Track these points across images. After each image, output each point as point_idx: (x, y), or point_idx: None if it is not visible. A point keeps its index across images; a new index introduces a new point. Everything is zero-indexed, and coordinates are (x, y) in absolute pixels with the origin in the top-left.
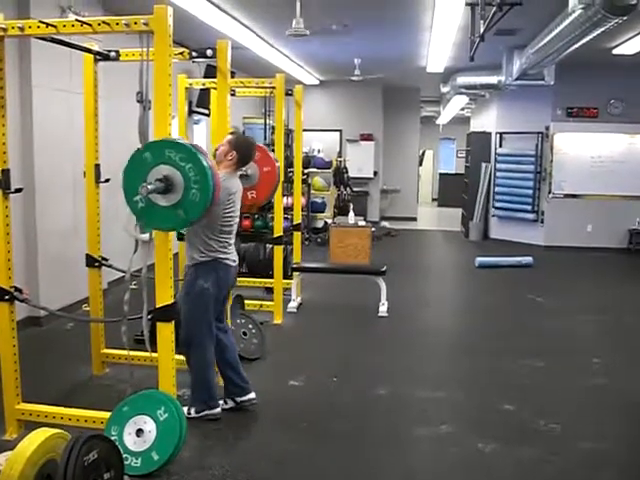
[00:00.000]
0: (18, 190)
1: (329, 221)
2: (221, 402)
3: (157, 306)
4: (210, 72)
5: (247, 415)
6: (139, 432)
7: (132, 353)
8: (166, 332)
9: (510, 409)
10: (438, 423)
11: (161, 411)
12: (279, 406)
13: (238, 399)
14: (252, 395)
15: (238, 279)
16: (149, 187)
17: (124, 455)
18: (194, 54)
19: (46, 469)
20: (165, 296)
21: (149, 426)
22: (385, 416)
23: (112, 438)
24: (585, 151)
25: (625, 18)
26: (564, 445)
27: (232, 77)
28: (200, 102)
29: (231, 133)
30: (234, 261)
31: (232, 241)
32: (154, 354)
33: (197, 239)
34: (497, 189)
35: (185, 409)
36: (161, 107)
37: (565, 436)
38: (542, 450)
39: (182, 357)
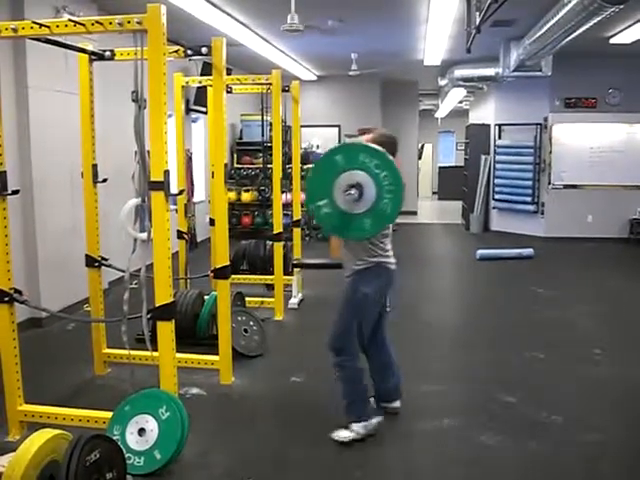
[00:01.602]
0: (15, 192)
1: None
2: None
3: (157, 305)
4: (207, 70)
5: (249, 412)
6: (141, 431)
7: (133, 352)
8: (166, 331)
9: (512, 401)
10: (440, 417)
11: (163, 410)
12: (281, 403)
13: (382, 404)
14: (397, 404)
15: (238, 276)
16: (352, 192)
17: (126, 454)
18: (189, 52)
19: (48, 470)
20: (164, 295)
21: (151, 425)
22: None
23: (114, 438)
24: (584, 141)
25: (622, 7)
26: (567, 437)
27: (228, 74)
28: (197, 100)
29: (366, 130)
30: (395, 264)
31: (390, 245)
32: (155, 353)
33: (359, 246)
34: (497, 181)
35: (343, 433)
36: (156, 106)
37: (568, 428)
38: (545, 442)
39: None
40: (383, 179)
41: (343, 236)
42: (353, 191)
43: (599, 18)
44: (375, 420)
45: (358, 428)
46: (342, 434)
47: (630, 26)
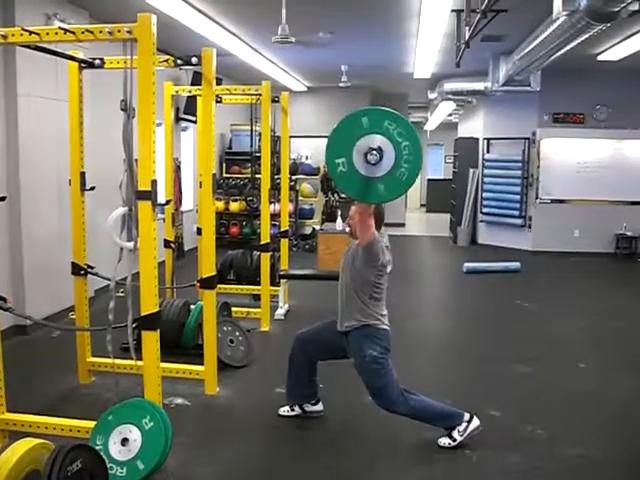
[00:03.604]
0: (2, 199)
1: (317, 227)
2: (286, 408)
3: (142, 314)
4: (197, 79)
5: (233, 423)
6: (124, 441)
7: (117, 361)
8: (151, 340)
9: (496, 415)
10: (425, 430)
11: (146, 420)
12: (266, 414)
13: (306, 408)
14: (320, 407)
15: (225, 286)
16: (374, 154)
17: (109, 465)
18: (179, 62)
19: None
20: (150, 304)
21: (134, 435)
22: (373, 423)
23: (97, 448)
24: (571, 156)
25: (609, 25)
26: (551, 451)
27: (219, 84)
28: (188, 109)
29: None
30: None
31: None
32: (139, 362)
33: (356, 302)
34: (485, 194)
35: (445, 440)
36: (145, 115)
37: (552, 442)
38: (529, 456)
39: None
40: (404, 148)
41: (357, 197)
42: (374, 153)
43: (587, 35)
44: (476, 422)
45: (460, 436)
46: (445, 441)
47: (617, 43)
